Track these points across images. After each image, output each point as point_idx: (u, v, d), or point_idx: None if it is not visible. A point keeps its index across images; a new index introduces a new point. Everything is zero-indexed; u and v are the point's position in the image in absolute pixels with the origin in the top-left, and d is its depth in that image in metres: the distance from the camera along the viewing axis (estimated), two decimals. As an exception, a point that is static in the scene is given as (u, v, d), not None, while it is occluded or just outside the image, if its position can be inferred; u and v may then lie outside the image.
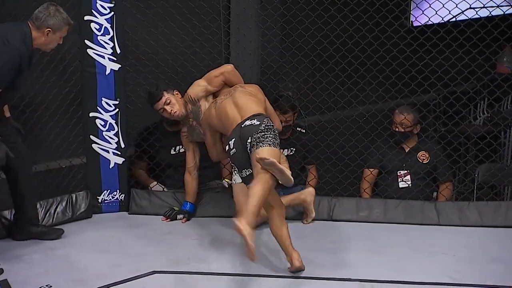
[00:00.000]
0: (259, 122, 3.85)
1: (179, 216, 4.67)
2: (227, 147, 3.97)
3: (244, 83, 4.44)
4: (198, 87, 4.49)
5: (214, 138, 4.38)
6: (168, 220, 4.67)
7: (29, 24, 3.95)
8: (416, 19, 5.54)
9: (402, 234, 4.49)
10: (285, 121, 4.97)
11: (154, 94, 4.55)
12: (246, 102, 4.08)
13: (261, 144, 3.76)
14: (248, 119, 3.91)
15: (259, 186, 3.62)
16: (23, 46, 3.85)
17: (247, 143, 3.81)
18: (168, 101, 4.52)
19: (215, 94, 4.49)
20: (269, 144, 3.77)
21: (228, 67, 4.49)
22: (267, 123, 3.86)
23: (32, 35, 3.92)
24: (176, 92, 4.59)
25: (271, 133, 3.82)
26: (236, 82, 4.42)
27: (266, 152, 3.71)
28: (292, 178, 3.68)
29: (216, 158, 4.55)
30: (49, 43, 4.02)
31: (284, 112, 4.99)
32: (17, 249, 4.20)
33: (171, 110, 4.53)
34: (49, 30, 3.94)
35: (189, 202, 4.71)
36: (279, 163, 3.63)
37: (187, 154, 4.70)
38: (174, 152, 5.04)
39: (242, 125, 3.89)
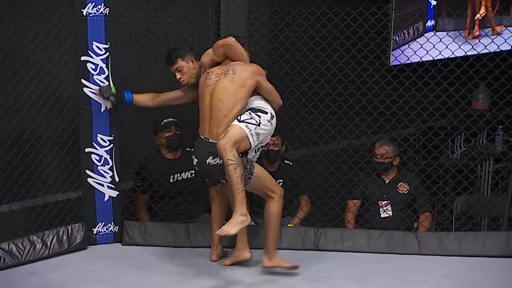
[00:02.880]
0: (222, 161, 3.87)
1: (110, 97, 4.54)
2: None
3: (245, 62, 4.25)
4: (207, 56, 4.28)
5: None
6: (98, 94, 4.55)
7: None
8: (396, 59, 5.58)
9: (385, 263, 4.46)
10: (272, 144, 5.03)
11: (169, 58, 4.34)
12: (218, 113, 4.01)
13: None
14: (211, 155, 3.95)
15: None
16: None
17: (220, 180, 4.07)
18: (180, 68, 4.31)
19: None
20: (249, 179, 3.97)
21: (229, 40, 4.19)
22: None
23: None
24: (191, 59, 4.34)
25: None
26: (235, 59, 4.18)
27: (252, 187, 4.05)
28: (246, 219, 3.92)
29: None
30: None
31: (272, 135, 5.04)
32: (15, 281, 4.16)
33: (179, 77, 4.33)
34: None
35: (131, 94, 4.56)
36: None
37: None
38: (173, 181, 5.01)
39: (207, 161, 3.98)
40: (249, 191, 4.05)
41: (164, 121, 4.93)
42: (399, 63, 5.69)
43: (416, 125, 5.51)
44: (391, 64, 6.07)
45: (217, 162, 3.92)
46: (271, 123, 4.13)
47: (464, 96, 5.12)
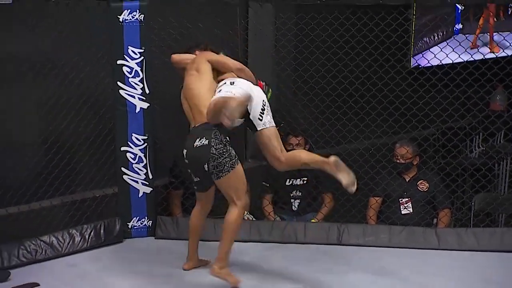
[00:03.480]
0: (207, 141, 3.78)
1: None
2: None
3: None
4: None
5: None
6: None
7: None
8: (416, 62, 5.61)
9: (405, 258, 4.50)
10: (296, 144, 5.08)
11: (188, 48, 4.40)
12: (198, 101, 3.94)
13: (220, 175, 3.82)
14: (198, 137, 3.83)
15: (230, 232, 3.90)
16: None
17: (204, 167, 3.81)
18: None
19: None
20: (228, 172, 3.80)
21: (171, 58, 4.30)
22: (216, 141, 3.78)
23: None
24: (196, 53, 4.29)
25: (225, 154, 3.79)
26: (184, 65, 4.17)
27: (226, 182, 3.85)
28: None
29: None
30: None
31: (296, 135, 5.10)
32: (56, 271, 4.27)
33: None
34: None
35: None
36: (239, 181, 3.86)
37: None
38: None
39: (194, 144, 3.83)
40: (219, 187, 3.95)
41: None
42: (420, 66, 5.72)
43: (436, 126, 5.53)
44: (411, 67, 6.10)
45: (203, 143, 3.79)
46: (250, 95, 3.88)
47: (482, 97, 5.14)
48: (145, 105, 4.74)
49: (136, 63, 4.67)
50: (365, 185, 5.11)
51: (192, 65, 4.11)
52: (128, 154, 4.76)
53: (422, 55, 5.11)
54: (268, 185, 5.27)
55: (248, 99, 3.82)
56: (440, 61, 5.07)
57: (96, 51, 4.80)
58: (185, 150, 3.94)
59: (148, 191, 4.85)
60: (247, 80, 4.08)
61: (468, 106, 5.04)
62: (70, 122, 4.82)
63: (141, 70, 4.69)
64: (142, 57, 4.68)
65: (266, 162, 5.28)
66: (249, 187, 5.07)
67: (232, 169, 3.81)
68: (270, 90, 4.10)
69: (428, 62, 5.26)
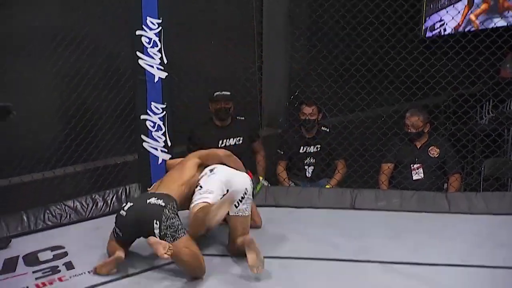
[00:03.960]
0: (164, 204, 3.64)
1: None
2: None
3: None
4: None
5: None
6: None
7: None
8: (428, 30, 5.58)
9: (417, 221, 4.54)
10: (310, 113, 5.10)
11: None
12: (165, 180, 3.97)
13: (176, 236, 3.58)
14: (155, 197, 3.70)
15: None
16: None
17: (154, 226, 3.58)
18: None
19: None
20: (183, 233, 3.61)
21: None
22: (171, 208, 3.65)
23: None
24: None
25: (177, 218, 3.65)
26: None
27: (184, 244, 3.59)
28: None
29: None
30: None
31: (310, 105, 5.11)
32: (81, 235, 4.34)
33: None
34: None
35: None
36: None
37: None
38: (221, 146, 5.00)
39: (148, 201, 3.68)
40: (176, 252, 3.53)
41: (215, 94, 4.98)
42: (431, 35, 5.70)
43: (447, 93, 5.53)
44: (425, 35, 6.07)
45: (159, 203, 3.64)
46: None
47: (493, 65, 5.11)
48: (163, 74, 4.75)
49: (154, 33, 4.68)
50: (377, 151, 5.16)
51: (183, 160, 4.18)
52: (148, 122, 4.80)
53: (434, 23, 5.06)
54: (282, 152, 5.32)
55: (227, 203, 3.59)
56: (452, 29, 5.04)
57: (115, 21, 4.82)
58: (130, 203, 3.75)
59: (167, 158, 4.88)
60: (233, 167, 4.06)
61: (478, 73, 5.03)
62: (92, 91, 4.88)
63: (159, 41, 4.69)
64: (160, 28, 4.68)
65: (281, 130, 5.37)
66: (265, 154, 5.18)
67: (186, 232, 3.66)
68: (260, 183, 4.22)
69: (440, 30, 5.23)
